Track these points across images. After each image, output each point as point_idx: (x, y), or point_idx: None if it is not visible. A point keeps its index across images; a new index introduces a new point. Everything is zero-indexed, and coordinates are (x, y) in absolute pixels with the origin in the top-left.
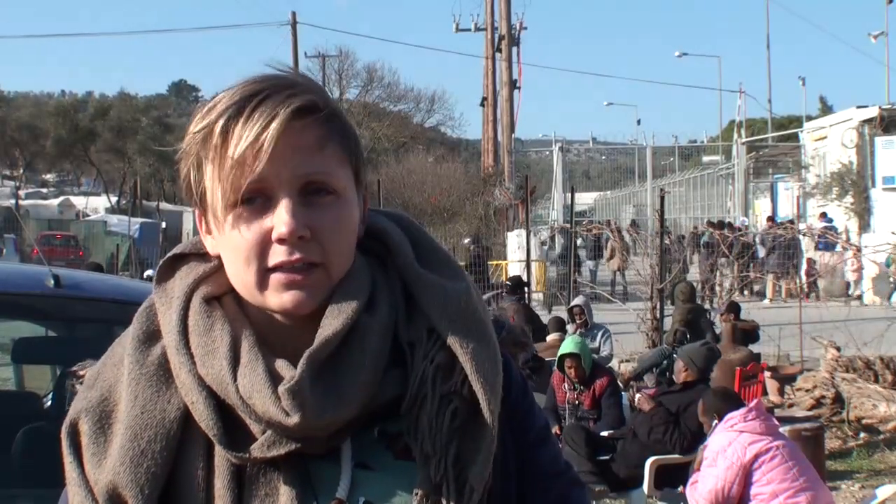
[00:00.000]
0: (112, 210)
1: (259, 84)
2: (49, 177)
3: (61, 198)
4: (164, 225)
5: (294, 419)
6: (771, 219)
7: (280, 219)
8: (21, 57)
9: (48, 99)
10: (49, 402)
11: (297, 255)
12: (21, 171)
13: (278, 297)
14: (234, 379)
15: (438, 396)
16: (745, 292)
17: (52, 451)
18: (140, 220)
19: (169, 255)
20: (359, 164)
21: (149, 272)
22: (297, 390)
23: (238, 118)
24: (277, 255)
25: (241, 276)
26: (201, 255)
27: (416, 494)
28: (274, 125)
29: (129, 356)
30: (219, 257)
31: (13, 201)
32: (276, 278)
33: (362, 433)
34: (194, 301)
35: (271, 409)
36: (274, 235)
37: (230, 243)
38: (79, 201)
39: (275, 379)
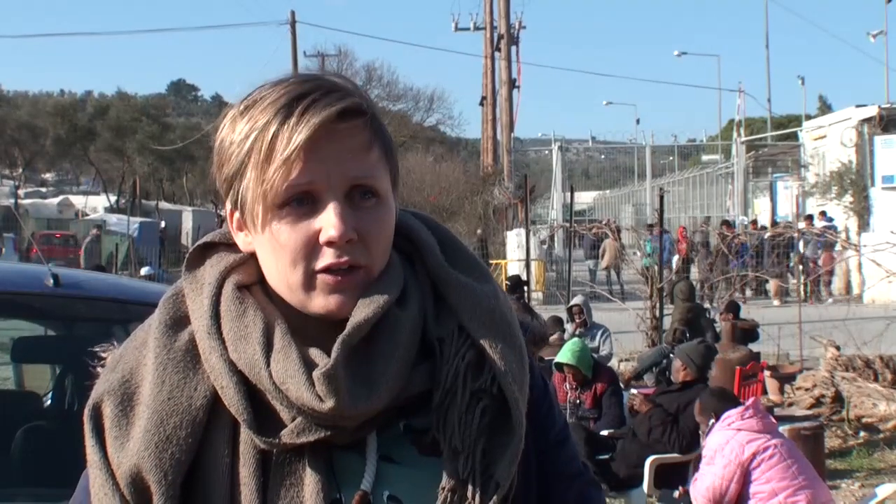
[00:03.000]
0: (111, 209)
1: (305, 85)
2: (48, 176)
3: (60, 197)
4: (163, 224)
5: (329, 404)
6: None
7: (329, 222)
8: (20, 56)
9: (47, 98)
10: (49, 402)
11: (345, 259)
12: (20, 170)
13: (324, 300)
14: (268, 364)
15: (469, 393)
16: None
17: (52, 451)
18: (139, 219)
19: (199, 243)
20: (396, 168)
21: (144, 269)
22: (332, 374)
23: (287, 120)
24: (326, 257)
25: (284, 277)
26: (230, 244)
27: (443, 489)
28: (325, 128)
29: (156, 340)
30: (250, 252)
31: (12, 200)
32: (323, 280)
33: (387, 427)
34: (226, 287)
35: (305, 394)
36: (322, 238)
37: (274, 244)
38: (78, 200)
39: (308, 365)
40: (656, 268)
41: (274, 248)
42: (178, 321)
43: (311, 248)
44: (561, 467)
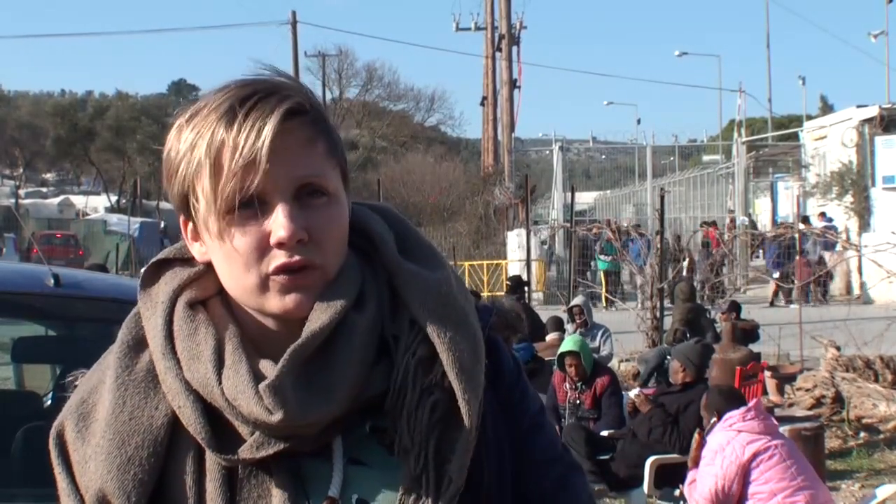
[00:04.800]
0: (112, 209)
1: (246, 89)
2: (49, 176)
3: (61, 197)
4: (163, 224)
5: (277, 416)
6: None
7: (278, 223)
8: (20, 56)
9: (48, 98)
10: (49, 402)
11: (296, 258)
12: (21, 170)
13: (280, 300)
14: (220, 381)
15: (419, 390)
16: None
17: None
18: (140, 219)
19: (153, 260)
20: (345, 163)
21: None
22: (277, 386)
23: (230, 126)
24: (277, 258)
25: (239, 282)
26: (185, 259)
27: (401, 489)
28: (267, 131)
29: (118, 360)
30: (206, 263)
31: (13, 200)
32: (276, 281)
33: (354, 429)
34: (178, 306)
35: (255, 408)
36: (273, 240)
37: (226, 250)
38: (79, 200)
39: (259, 378)
40: (656, 268)
41: (227, 254)
42: (140, 341)
43: (263, 250)
44: (538, 453)
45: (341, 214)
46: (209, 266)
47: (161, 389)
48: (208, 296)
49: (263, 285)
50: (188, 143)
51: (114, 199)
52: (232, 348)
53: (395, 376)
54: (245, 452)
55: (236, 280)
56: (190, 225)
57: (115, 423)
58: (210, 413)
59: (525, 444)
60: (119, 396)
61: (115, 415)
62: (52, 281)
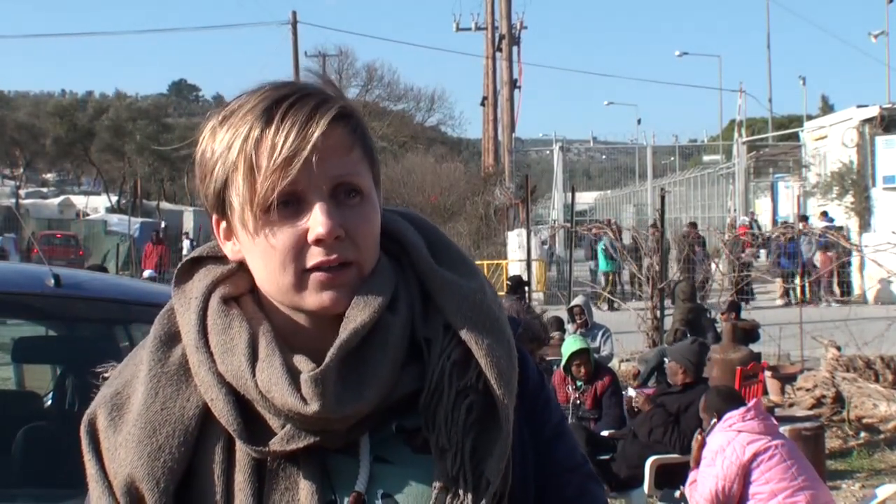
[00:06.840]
0: (112, 209)
1: (283, 89)
2: (49, 176)
3: (61, 197)
4: (163, 224)
5: (313, 407)
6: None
7: (317, 221)
8: (20, 56)
9: (48, 98)
10: (49, 402)
11: (334, 256)
12: (21, 170)
13: (317, 297)
14: (253, 374)
15: (455, 391)
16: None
17: (52, 451)
18: (140, 219)
19: (187, 258)
20: (377, 167)
21: (147, 272)
22: (320, 378)
23: (269, 125)
24: (315, 256)
25: (275, 279)
26: (218, 257)
27: (435, 487)
28: (310, 133)
29: (150, 354)
30: (238, 261)
31: (13, 200)
32: (314, 278)
33: (380, 428)
34: (212, 301)
35: (290, 399)
36: (311, 237)
37: (262, 248)
38: (79, 201)
39: (292, 372)
40: (656, 268)
41: (263, 251)
42: (173, 336)
43: (300, 248)
44: (559, 461)
45: (375, 214)
46: (241, 264)
47: (193, 382)
48: (240, 293)
49: (300, 282)
50: (224, 143)
51: (114, 199)
52: (266, 342)
53: (431, 377)
54: (275, 444)
55: (272, 277)
56: (223, 224)
57: (147, 412)
58: (241, 406)
59: (546, 453)
60: (152, 388)
61: (148, 405)
62: (53, 281)
